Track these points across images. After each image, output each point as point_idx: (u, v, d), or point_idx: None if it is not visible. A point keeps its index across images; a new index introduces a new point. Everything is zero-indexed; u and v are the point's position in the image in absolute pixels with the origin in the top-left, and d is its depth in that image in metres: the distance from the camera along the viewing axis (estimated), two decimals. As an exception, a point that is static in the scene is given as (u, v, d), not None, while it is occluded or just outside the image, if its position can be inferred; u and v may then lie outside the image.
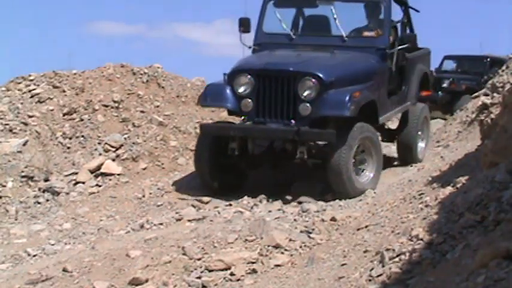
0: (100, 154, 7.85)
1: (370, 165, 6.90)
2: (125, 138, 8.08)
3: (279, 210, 6.43)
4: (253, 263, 4.86)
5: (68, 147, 8.05)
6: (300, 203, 6.58)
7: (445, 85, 15.63)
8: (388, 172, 7.80)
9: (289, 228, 5.48)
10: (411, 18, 8.49)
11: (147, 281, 4.74)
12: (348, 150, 6.53)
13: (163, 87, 9.06)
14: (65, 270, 5.01)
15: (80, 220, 6.51)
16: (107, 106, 8.52)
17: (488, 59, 16.42)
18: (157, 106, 8.78)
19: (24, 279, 5.00)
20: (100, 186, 7.36)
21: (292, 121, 6.58)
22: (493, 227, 3.52)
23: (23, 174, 7.24)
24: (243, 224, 5.71)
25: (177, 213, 6.36)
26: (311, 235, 5.29)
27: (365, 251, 4.47)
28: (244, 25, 7.67)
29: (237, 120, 7.43)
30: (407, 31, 8.45)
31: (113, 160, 7.73)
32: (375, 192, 6.65)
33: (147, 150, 8.00)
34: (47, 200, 7.02)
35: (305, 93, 6.58)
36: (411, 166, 7.89)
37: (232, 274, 4.76)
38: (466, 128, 8.68)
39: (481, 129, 5.62)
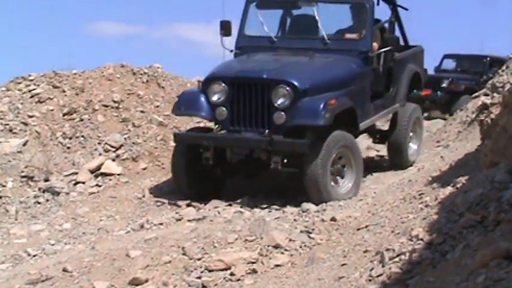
0: (100, 154, 7.85)
1: (349, 174, 6.70)
2: (125, 138, 8.08)
3: (278, 210, 6.43)
4: (253, 263, 4.86)
5: (68, 147, 8.05)
6: (300, 202, 6.58)
7: (444, 85, 15.62)
8: (388, 172, 7.81)
9: (289, 228, 5.48)
10: (400, 17, 8.34)
11: (147, 281, 4.74)
12: (324, 159, 6.35)
13: (163, 87, 9.06)
14: (65, 270, 5.01)
15: (80, 220, 6.52)
16: (107, 106, 8.52)
17: (488, 59, 16.40)
18: (157, 106, 8.78)
19: (24, 279, 5.00)
20: (100, 186, 7.36)
21: (267, 130, 6.42)
22: (493, 227, 3.52)
23: (23, 174, 7.24)
24: (243, 224, 5.71)
25: (177, 213, 6.36)
26: (311, 235, 5.29)
27: (365, 251, 4.47)
28: (225, 28, 7.49)
29: None
30: (397, 30, 8.31)
31: (113, 160, 7.73)
32: (374, 193, 6.64)
33: (147, 150, 8.00)
34: (47, 200, 7.03)
35: (279, 102, 6.42)
36: (411, 166, 7.89)
37: (232, 274, 4.76)
38: (466, 128, 8.67)
39: (481, 129, 5.62)
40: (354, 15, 7.57)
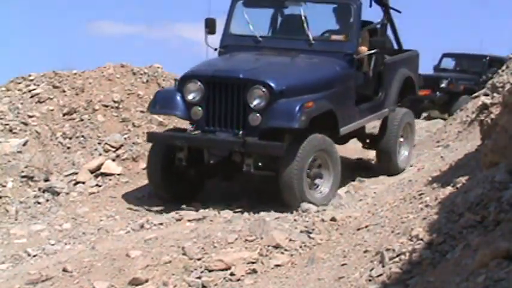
0: (100, 154, 7.84)
1: (327, 179, 6.51)
2: (125, 138, 8.08)
3: (278, 210, 6.43)
4: (253, 263, 4.86)
5: (68, 147, 8.05)
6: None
7: (443, 85, 15.62)
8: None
9: (289, 228, 5.48)
10: (393, 19, 8.16)
11: (147, 281, 4.75)
12: (300, 163, 6.17)
13: (163, 87, 9.05)
14: (65, 270, 5.01)
15: (80, 220, 6.51)
16: (107, 106, 8.52)
17: (487, 58, 16.38)
18: (158, 106, 8.77)
19: (24, 279, 5.00)
20: (100, 186, 7.36)
21: (240, 132, 6.27)
22: (493, 227, 3.52)
23: (23, 174, 7.24)
24: (243, 224, 5.72)
25: (177, 213, 6.36)
26: (311, 235, 5.29)
27: (365, 251, 4.47)
28: (209, 26, 7.35)
29: None
30: (389, 33, 8.18)
31: (113, 160, 7.73)
32: (374, 193, 6.64)
33: (147, 150, 7.98)
34: (47, 200, 7.02)
35: (255, 102, 6.26)
36: (411, 166, 7.89)
37: (232, 274, 4.76)
38: (466, 128, 8.67)
39: (481, 129, 5.62)
40: (341, 16, 7.42)
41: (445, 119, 14.31)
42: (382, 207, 5.39)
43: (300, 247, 5.11)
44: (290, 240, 5.17)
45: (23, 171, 7.26)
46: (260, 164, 6.38)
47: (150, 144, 7.95)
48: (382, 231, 4.70)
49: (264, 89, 6.25)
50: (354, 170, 7.97)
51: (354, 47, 7.11)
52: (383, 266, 3.97)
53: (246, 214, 6.19)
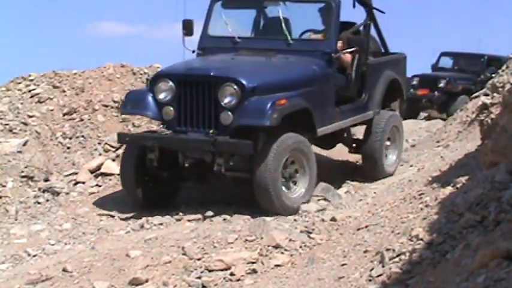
0: (100, 154, 7.84)
1: (303, 179, 6.34)
2: (125, 138, 8.07)
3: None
4: (253, 263, 4.86)
5: (68, 147, 8.05)
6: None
7: (441, 85, 15.61)
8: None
9: (289, 228, 5.48)
10: (377, 20, 7.87)
11: (147, 281, 4.75)
12: (275, 163, 5.99)
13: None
14: (65, 270, 5.01)
15: (80, 220, 6.51)
16: (107, 106, 8.52)
17: (486, 57, 16.36)
18: (157, 106, 8.77)
19: (24, 279, 5.00)
20: (100, 186, 7.35)
21: (211, 131, 6.11)
22: (493, 227, 3.52)
23: (23, 174, 7.23)
24: (243, 224, 5.72)
25: (177, 213, 6.35)
26: (311, 235, 5.29)
27: (365, 251, 4.48)
28: (187, 27, 7.16)
29: None
30: (373, 34, 7.95)
31: (113, 160, 7.72)
32: (375, 193, 6.64)
33: (147, 150, 7.99)
34: (47, 200, 7.02)
35: (226, 101, 6.08)
36: (411, 166, 7.88)
37: (232, 274, 4.76)
38: (466, 128, 8.67)
39: (481, 129, 5.63)
40: (319, 16, 7.27)
41: (443, 119, 14.34)
42: (382, 207, 5.39)
43: (300, 247, 5.11)
44: (290, 240, 5.17)
45: (23, 171, 7.26)
46: (232, 164, 6.21)
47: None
48: (382, 231, 4.70)
49: (235, 87, 6.09)
50: (353, 170, 7.97)
51: (332, 46, 6.94)
52: (383, 266, 3.97)
53: (246, 214, 6.18)
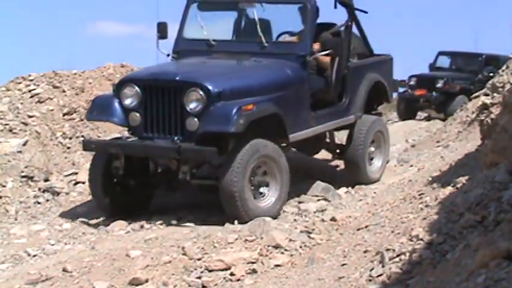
0: (100, 154, 7.83)
1: (273, 188, 6.10)
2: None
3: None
4: (253, 263, 4.86)
5: (68, 147, 8.06)
6: (299, 202, 6.57)
7: (439, 85, 15.59)
8: (388, 172, 7.80)
9: (289, 228, 5.48)
10: (359, 21, 7.61)
11: (147, 281, 4.74)
12: (241, 170, 5.77)
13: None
14: (64, 270, 5.01)
15: (79, 220, 6.50)
16: (107, 106, 8.51)
17: (483, 56, 16.33)
18: (157, 106, 8.76)
19: (24, 279, 4.99)
20: (100, 186, 7.34)
21: (175, 137, 5.93)
22: (493, 227, 3.52)
23: (23, 174, 7.24)
24: (243, 224, 5.71)
25: (177, 213, 6.35)
26: (311, 235, 5.29)
27: (365, 251, 4.48)
28: (161, 30, 7.01)
29: None
30: (357, 35, 7.74)
31: (113, 160, 7.72)
32: (375, 193, 6.64)
33: (147, 150, 7.99)
34: (47, 200, 7.02)
35: (191, 106, 5.90)
36: (411, 166, 7.88)
37: (232, 274, 4.76)
38: (466, 128, 8.66)
39: (481, 129, 5.62)
40: (295, 17, 7.00)
41: (441, 119, 14.35)
42: (382, 207, 5.39)
43: (300, 247, 5.11)
44: (290, 240, 5.17)
45: (23, 171, 7.26)
46: (197, 172, 6.09)
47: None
48: (382, 231, 4.70)
49: (201, 92, 5.90)
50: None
51: (307, 48, 6.72)
52: (383, 266, 3.97)
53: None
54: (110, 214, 6.39)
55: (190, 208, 6.49)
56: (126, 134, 6.54)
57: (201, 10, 7.23)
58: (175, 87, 6.01)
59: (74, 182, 7.38)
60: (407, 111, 15.98)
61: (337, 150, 7.57)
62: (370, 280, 3.92)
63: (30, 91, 8.68)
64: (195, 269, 4.84)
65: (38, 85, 8.80)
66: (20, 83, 8.88)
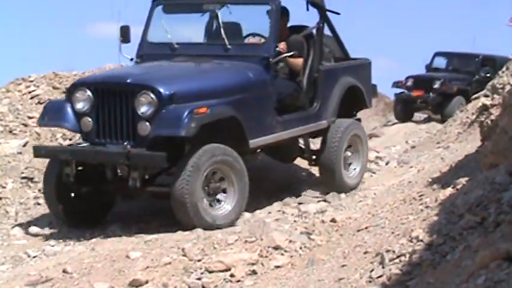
0: (100, 155, 7.83)
1: (230, 195, 5.91)
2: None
3: (278, 211, 6.43)
4: (253, 264, 4.86)
5: (68, 149, 8.04)
6: (299, 203, 6.57)
7: (436, 86, 15.59)
8: (388, 173, 7.80)
9: (289, 229, 5.48)
10: (332, 23, 7.41)
11: (147, 282, 4.74)
12: (193, 176, 5.59)
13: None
14: (64, 271, 5.00)
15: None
16: (107, 107, 8.51)
17: (480, 57, 16.31)
18: (157, 107, 8.76)
19: (24, 280, 4.99)
20: (100, 187, 7.34)
21: (126, 142, 5.76)
22: (493, 229, 3.53)
23: (23, 175, 7.24)
24: (243, 225, 5.72)
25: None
26: (311, 236, 5.29)
27: (365, 252, 4.47)
28: (123, 34, 6.85)
29: None
30: (330, 37, 7.57)
31: (113, 161, 7.71)
32: (374, 194, 6.64)
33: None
34: (47, 201, 7.01)
35: (142, 110, 5.72)
36: (411, 167, 7.88)
37: (232, 275, 4.75)
38: (466, 130, 8.67)
39: (481, 131, 5.63)
40: (263, 19, 6.77)
41: (438, 120, 14.37)
42: (382, 209, 5.39)
43: (300, 248, 5.10)
44: (290, 241, 5.17)
45: (23, 173, 7.26)
46: (148, 178, 5.99)
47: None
48: (382, 233, 4.70)
49: (152, 95, 5.72)
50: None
51: (271, 50, 6.51)
52: (383, 267, 3.97)
53: (246, 215, 6.18)
54: (64, 222, 6.26)
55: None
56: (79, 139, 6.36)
57: (166, 13, 7.08)
58: (127, 90, 5.84)
59: (73, 183, 7.36)
60: (405, 112, 16.00)
61: (313, 157, 7.32)
62: (370, 281, 3.92)
63: (30, 92, 8.68)
64: (195, 270, 4.84)
65: (38, 86, 8.80)
66: (20, 84, 8.88)
